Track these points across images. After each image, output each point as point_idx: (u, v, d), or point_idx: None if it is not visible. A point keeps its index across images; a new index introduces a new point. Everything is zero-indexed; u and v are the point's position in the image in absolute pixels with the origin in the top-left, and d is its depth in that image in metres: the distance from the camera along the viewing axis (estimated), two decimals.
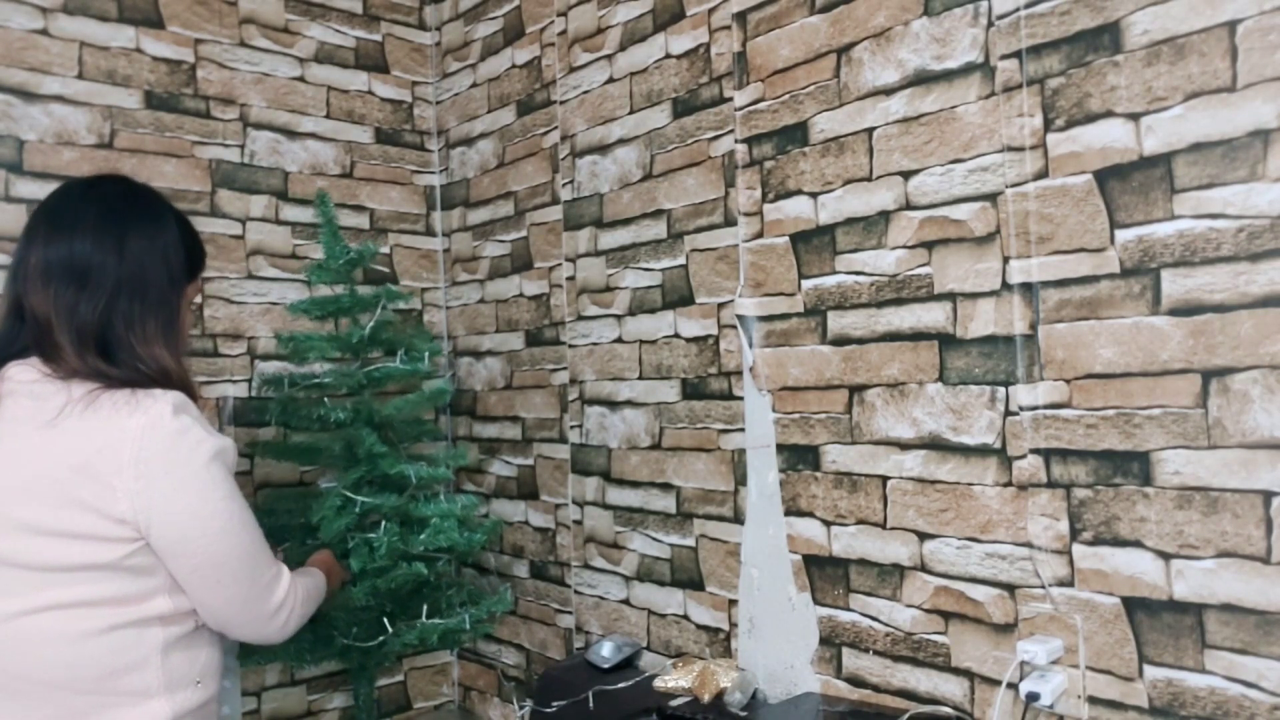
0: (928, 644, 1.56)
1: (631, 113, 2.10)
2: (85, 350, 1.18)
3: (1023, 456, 1.44)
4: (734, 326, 1.87)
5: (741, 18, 1.84)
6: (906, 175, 1.58)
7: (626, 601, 2.13)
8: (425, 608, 2.02)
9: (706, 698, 1.68)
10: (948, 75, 1.52)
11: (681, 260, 1.98)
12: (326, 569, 1.65)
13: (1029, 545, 1.43)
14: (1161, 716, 1.30)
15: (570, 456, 2.28)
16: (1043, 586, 1.41)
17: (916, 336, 1.57)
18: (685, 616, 1.99)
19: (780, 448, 1.78)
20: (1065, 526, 1.39)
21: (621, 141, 2.12)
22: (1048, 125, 1.40)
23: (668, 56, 2.01)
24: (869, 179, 1.63)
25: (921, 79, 1.55)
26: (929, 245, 1.55)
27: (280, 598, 1.32)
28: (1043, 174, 1.40)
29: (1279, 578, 1.19)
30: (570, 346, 2.28)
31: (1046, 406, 1.41)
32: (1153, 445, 1.30)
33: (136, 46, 2.23)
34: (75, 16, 2.15)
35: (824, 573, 1.72)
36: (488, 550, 2.54)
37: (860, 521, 1.65)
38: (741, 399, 1.86)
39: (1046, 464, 1.41)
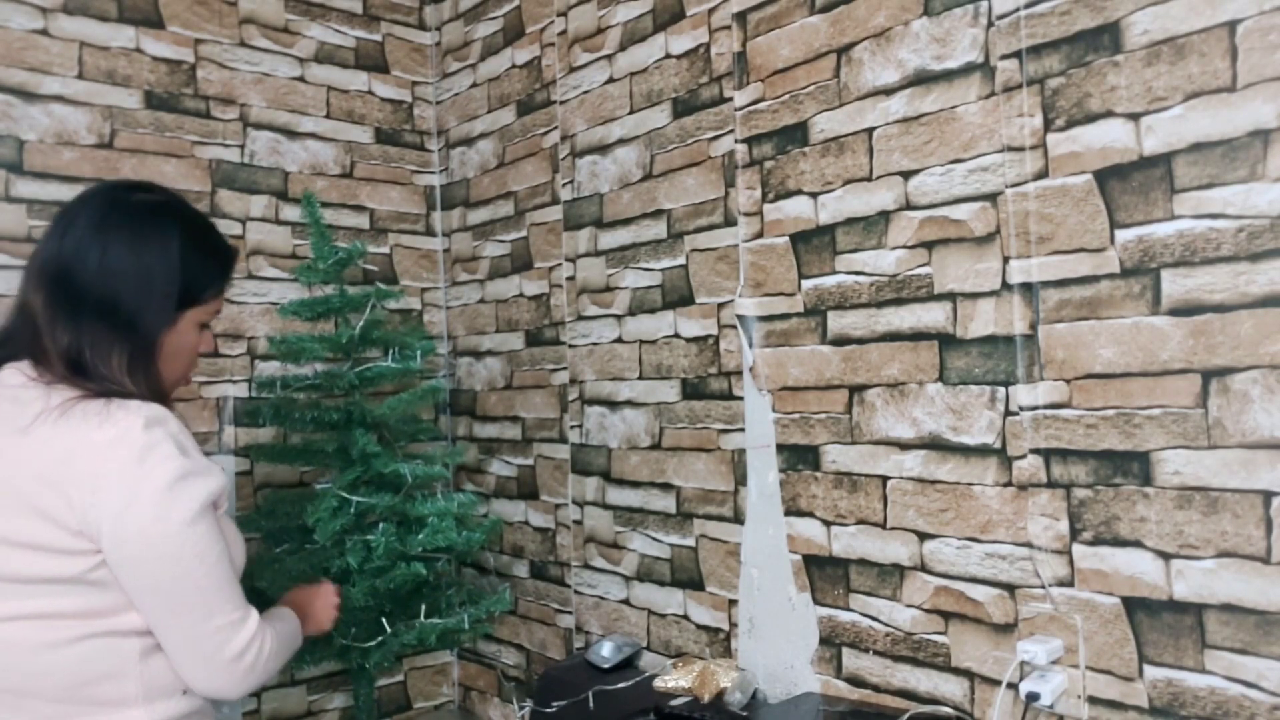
0: (928, 644, 1.56)
1: (631, 113, 2.10)
2: (66, 365, 1.15)
3: (1023, 456, 1.44)
4: (734, 326, 1.87)
5: (741, 18, 1.84)
6: (906, 175, 1.58)
7: (626, 601, 2.13)
8: (424, 607, 2.02)
9: (706, 698, 1.68)
10: (948, 75, 1.52)
11: (681, 260, 1.98)
12: (303, 609, 1.44)
13: (1029, 545, 1.43)
14: (1161, 716, 1.30)
15: (570, 456, 2.28)
16: (1043, 586, 1.41)
17: (916, 336, 1.57)
18: (685, 616, 1.99)
19: (780, 448, 1.78)
20: (1065, 526, 1.39)
21: (621, 141, 2.12)
22: (1048, 125, 1.40)
23: (668, 56, 2.01)
24: (869, 179, 1.63)
25: (921, 79, 1.55)
26: (929, 245, 1.55)
27: (239, 647, 1.18)
28: (1043, 174, 1.40)
29: (1279, 578, 1.19)
30: (570, 346, 2.28)
31: (1046, 406, 1.41)
32: (1153, 445, 1.30)
33: (136, 46, 2.23)
34: (75, 16, 2.15)
35: (824, 573, 1.72)
36: (488, 550, 2.54)
37: (860, 521, 1.65)
38: (741, 399, 1.86)
39: (1046, 464, 1.41)
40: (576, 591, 2.27)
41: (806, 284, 1.73)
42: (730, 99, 1.87)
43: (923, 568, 1.57)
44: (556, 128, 2.31)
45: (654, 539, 2.05)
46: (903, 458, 1.59)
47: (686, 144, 1.97)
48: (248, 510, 2.29)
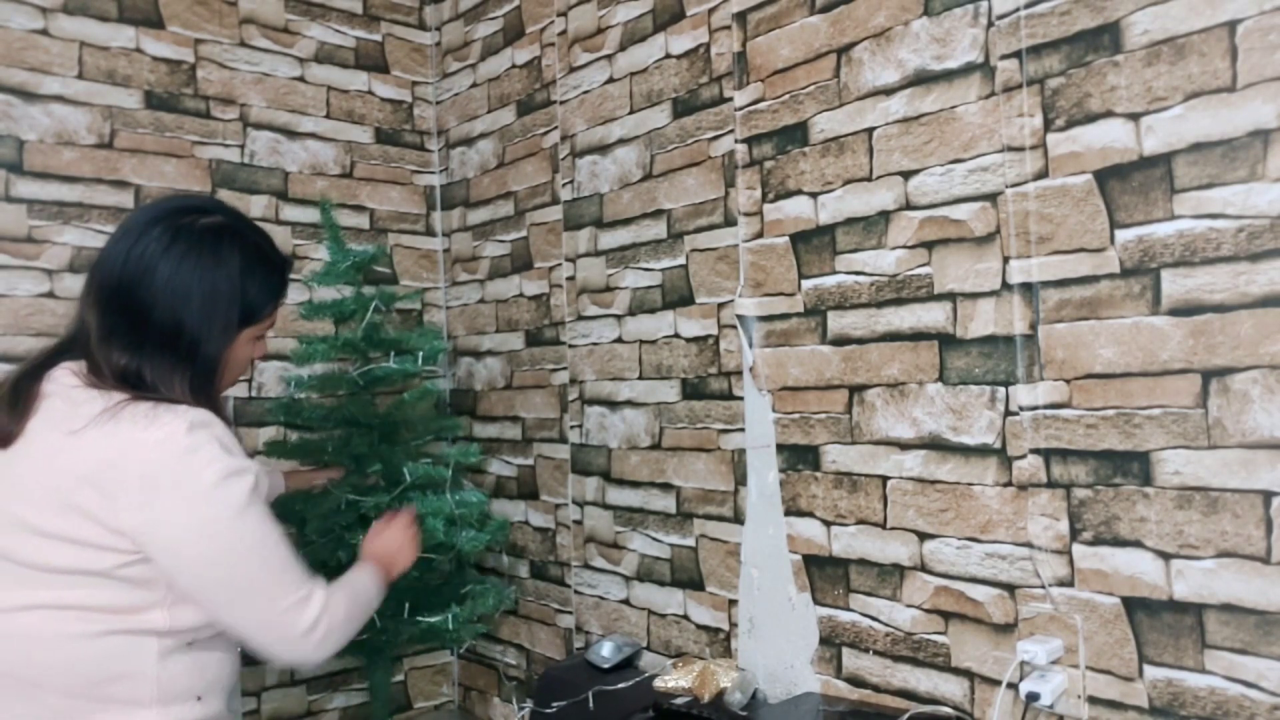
0: (928, 644, 1.56)
1: (631, 113, 2.10)
2: (121, 379, 1.18)
3: (1023, 456, 1.44)
4: (734, 326, 1.87)
5: (741, 18, 1.84)
6: (906, 175, 1.58)
7: (626, 601, 2.13)
8: (410, 606, 2.02)
9: (706, 698, 1.68)
10: (948, 75, 1.52)
11: (681, 260, 1.98)
12: (381, 562, 1.51)
13: (1029, 545, 1.43)
14: (1161, 716, 1.30)
15: (570, 456, 2.28)
16: (1043, 586, 1.41)
17: (916, 336, 1.57)
18: (685, 616, 1.99)
19: (780, 448, 1.78)
20: (1065, 526, 1.39)
21: (621, 141, 2.12)
22: (1048, 125, 1.40)
23: (668, 56, 2.01)
24: (869, 179, 1.63)
25: (921, 79, 1.55)
26: (929, 245, 1.55)
27: (309, 621, 1.24)
28: (1043, 174, 1.40)
29: (1279, 578, 1.19)
30: (570, 346, 2.28)
31: (1046, 406, 1.41)
32: (1153, 445, 1.30)
33: (136, 46, 2.23)
34: (75, 16, 2.15)
35: (824, 573, 1.72)
36: (488, 550, 2.53)
37: (860, 521, 1.65)
38: (741, 399, 1.86)
39: (1046, 464, 1.41)
40: (576, 591, 2.27)
41: (806, 284, 1.73)
42: (730, 99, 1.87)
43: (923, 568, 1.57)
44: (556, 128, 2.31)
45: (654, 539, 2.05)
46: (903, 458, 1.59)
47: (686, 144, 1.97)
48: None
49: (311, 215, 2.46)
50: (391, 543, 1.57)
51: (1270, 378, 1.19)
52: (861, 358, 1.64)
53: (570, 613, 2.29)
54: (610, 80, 2.15)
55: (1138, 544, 1.31)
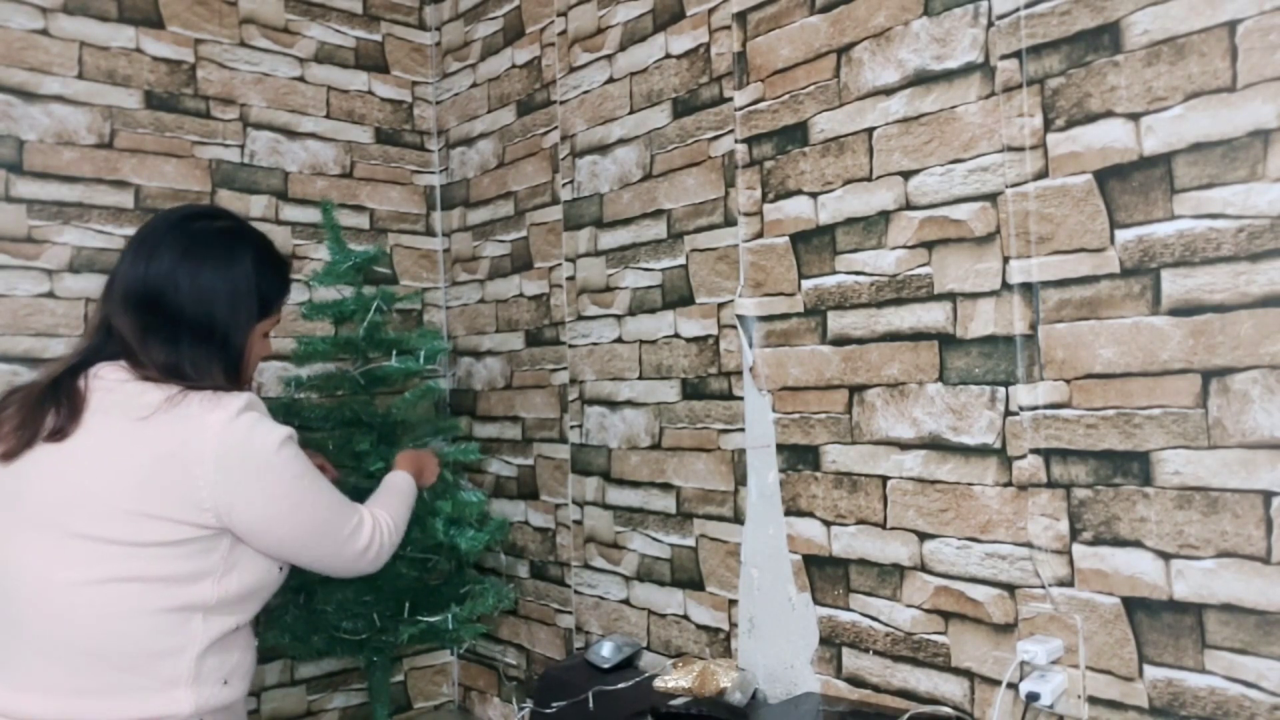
0: (928, 644, 1.56)
1: (631, 113, 2.10)
2: (166, 371, 1.29)
3: (1023, 456, 1.44)
4: (734, 326, 1.87)
5: (741, 18, 1.84)
6: (906, 175, 1.58)
7: (626, 601, 2.13)
8: (410, 606, 2.01)
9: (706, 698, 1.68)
10: (948, 75, 1.52)
11: (681, 260, 1.98)
12: (415, 469, 1.74)
13: (1029, 545, 1.43)
14: (1161, 716, 1.30)
15: (570, 456, 2.28)
16: (1043, 586, 1.41)
17: (916, 336, 1.57)
18: (685, 616, 1.99)
19: (780, 448, 1.78)
20: (1065, 526, 1.39)
21: (621, 141, 2.12)
22: (1048, 125, 1.40)
23: (668, 56, 2.01)
24: (869, 179, 1.63)
25: (921, 79, 1.55)
26: (929, 245, 1.55)
27: (365, 541, 1.44)
28: (1043, 174, 1.40)
29: (1279, 578, 1.19)
30: (570, 346, 2.28)
31: (1046, 406, 1.41)
32: (1153, 445, 1.30)
33: (136, 46, 2.23)
34: (75, 16, 2.15)
35: (824, 573, 1.72)
36: (488, 550, 2.53)
37: (860, 521, 1.65)
38: (741, 399, 1.86)
39: (1046, 464, 1.41)
40: (576, 591, 2.27)
41: (806, 284, 1.73)
42: (730, 99, 1.87)
43: (923, 568, 1.57)
44: (556, 128, 2.31)
45: (654, 539, 2.05)
46: (903, 458, 1.59)
47: (686, 144, 1.97)
48: None
49: (311, 215, 2.46)
50: (422, 457, 1.81)
51: (1270, 378, 1.19)
52: (861, 358, 1.64)
53: (570, 613, 2.29)
54: (610, 80, 2.15)
55: (1138, 544, 1.31)
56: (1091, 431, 1.36)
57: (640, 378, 2.08)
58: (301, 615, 2.02)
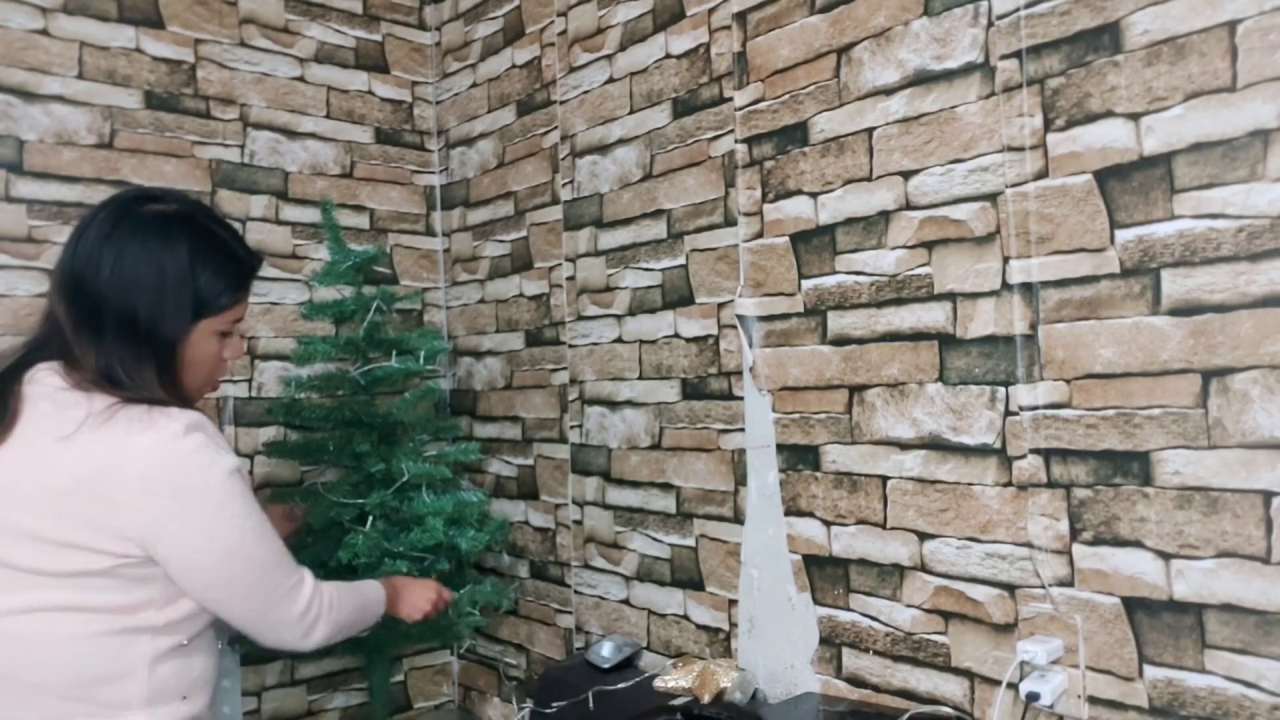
0: (928, 644, 1.56)
1: (631, 113, 2.10)
2: (99, 375, 1.18)
3: (1023, 456, 1.44)
4: (734, 326, 1.87)
5: (741, 18, 1.84)
6: (906, 175, 1.58)
7: (626, 601, 2.13)
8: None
9: (706, 698, 1.68)
10: (948, 75, 1.52)
11: (681, 260, 1.98)
12: (394, 589, 1.59)
13: (1029, 545, 1.43)
14: (1161, 716, 1.30)
15: (570, 456, 2.28)
16: (1043, 586, 1.41)
17: (916, 336, 1.57)
18: (685, 616, 1.99)
19: (780, 448, 1.78)
20: (1065, 526, 1.39)
21: (621, 141, 2.12)
22: (1048, 125, 1.40)
23: (668, 56, 2.01)
24: (869, 179, 1.63)
25: (921, 79, 1.55)
26: (929, 245, 1.55)
27: (302, 606, 1.28)
28: (1043, 174, 1.40)
29: (1279, 578, 1.19)
30: (570, 346, 2.28)
31: (1046, 406, 1.41)
32: (1153, 445, 1.30)
33: (136, 46, 2.23)
34: (75, 16, 2.15)
35: (824, 573, 1.72)
36: (488, 550, 2.53)
37: (860, 521, 1.65)
38: (741, 399, 1.86)
39: (1046, 464, 1.41)
40: (576, 591, 2.27)
41: (806, 284, 1.73)
42: (730, 99, 1.87)
43: (923, 568, 1.57)
44: (556, 128, 2.31)
45: (654, 539, 2.05)
46: (903, 458, 1.59)
47: (686, 144, 1.97)
48: None
49: (311, 215, 2.46)
50: (414, 585, 1.66)
51: (1270, 378, 1.19)
52: (861, 358, 1.64)
53: (570, 613, 2.29)
54: (610, 80, 2.15)
55: (1138, 544, 1.31)
56: (1091, 431, 1.36)
57: (640, 378, 2.08)
58: None
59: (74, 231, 1.23)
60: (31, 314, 2.07)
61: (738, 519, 1.87)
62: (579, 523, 2.26)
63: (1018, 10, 1.43)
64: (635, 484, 2.10)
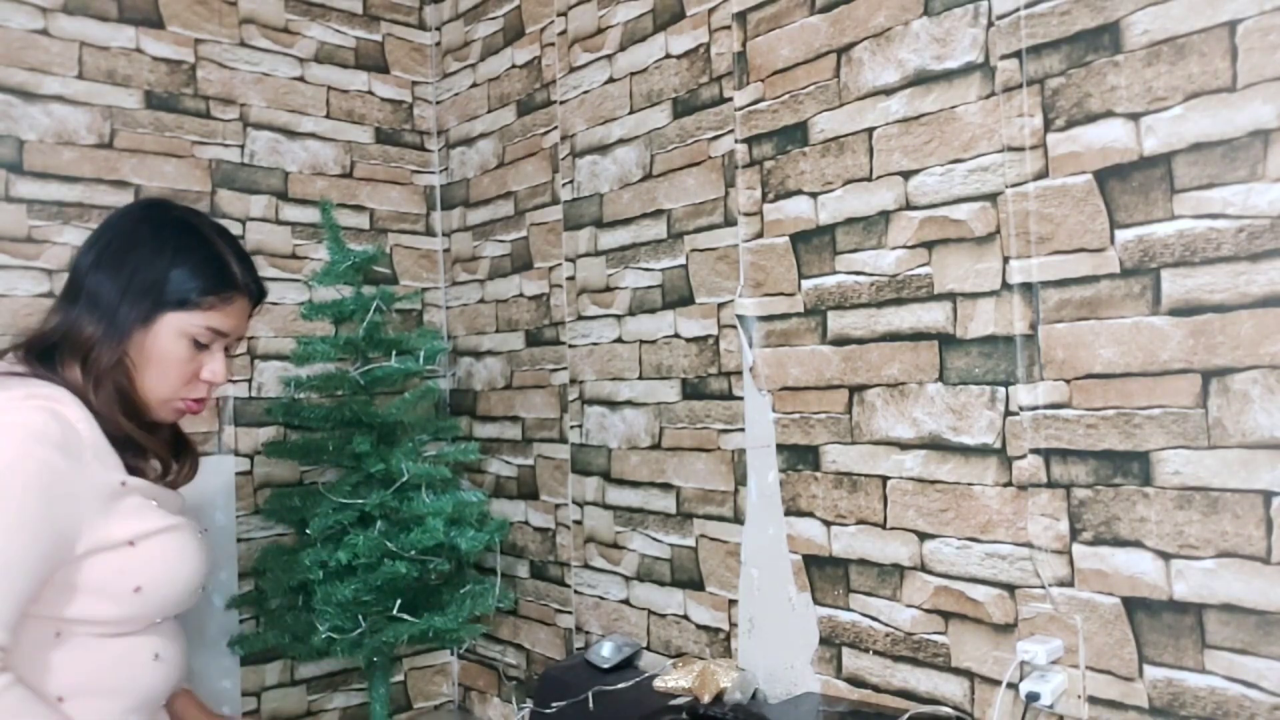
0: (928, 644, 1.56)
1: (631, 113, 2.10)
2: (40, 349, 1.18)
3: (1023, 456, 1.44)
4: (734, 326, 1.87)
5: (741, 18, 1.84)
6: (906, 175, 1.58)
7: (626, 601, 2.13)
8: (410, 606, 2.02)
9: (706, 698, 1.68)
10: (948, 75, 1.52)
11: (681, 260, 1.98)
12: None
13: (1029, 545, 1.43)
14: (1161, 716, 1.30)
15: (570, 456, 2.28)
16: (1043, 586, 1.41)
17: (916, 336, 1.57)
18: (685, 616, 1.99)
19: (780, 448, 1.78)
20: (1065, 526, 1.39)
21: (621, 141, 2.12)
22: (1048, 125, 1.40)
23: (668, 56, 2.01)
24: (869, 179, 1.63)
25: (921, 79, 1.55)
26: (929, 245, 1.55)
27: None
28: (1043, 174, 1.40)
29: (1279, 578, 1.19)
30: (570, 346, 2.28)
31: (1046, 406, 1.41)
32: (1153, 445, 1.30)
33: (136, 46, 2.23)
34: (75, 16, 2.15)
35: (824, 573, 1.72)
36: (488, 550, 2.53)
37: (860, 521, 1.65)
38: (741, 399, 1.86)
39: (1046, 464, 1.41)
40: (576, 591, 2.27)
41: (806, 284, 1.73)
42: (730, 99, 1.87)
43: (923, 568, 1.57)
44: (556, 128, 2.31)
45: (654, 539, 2.05)
46: (903, 458, 1.59)
47: (686, 144, 1.97)
48: (248, 510, 2.29)
49: (311, 215, 2.46)
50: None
51: (1270, 378, 1.19)
52: (861, 358, 1.64)
53: (570, 613, 2.29)
54: (610, 80, 2.15)
55: (1138, 544, 1.31)
56: (1091, 431, 1.36)
57: (640, 378, 2.08)
58: (301, 615, 2.02)
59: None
60: (31, 314, 2.08)
61: (738, 519, 1.87)
62: (579, 523, 2.26)
63: (1018, 10, 1.43)
64: (635, 484, 2.10)
